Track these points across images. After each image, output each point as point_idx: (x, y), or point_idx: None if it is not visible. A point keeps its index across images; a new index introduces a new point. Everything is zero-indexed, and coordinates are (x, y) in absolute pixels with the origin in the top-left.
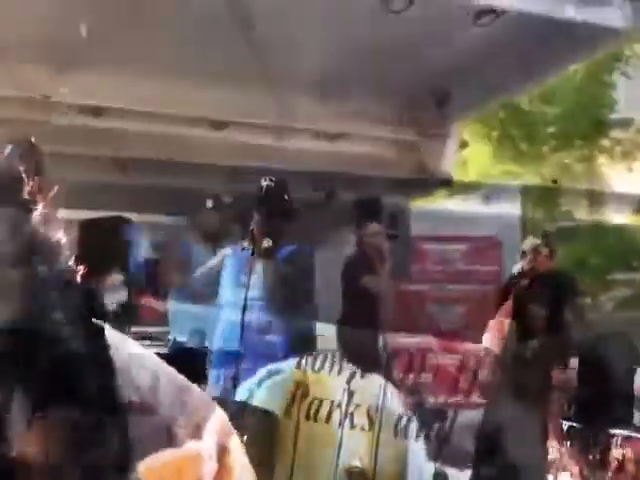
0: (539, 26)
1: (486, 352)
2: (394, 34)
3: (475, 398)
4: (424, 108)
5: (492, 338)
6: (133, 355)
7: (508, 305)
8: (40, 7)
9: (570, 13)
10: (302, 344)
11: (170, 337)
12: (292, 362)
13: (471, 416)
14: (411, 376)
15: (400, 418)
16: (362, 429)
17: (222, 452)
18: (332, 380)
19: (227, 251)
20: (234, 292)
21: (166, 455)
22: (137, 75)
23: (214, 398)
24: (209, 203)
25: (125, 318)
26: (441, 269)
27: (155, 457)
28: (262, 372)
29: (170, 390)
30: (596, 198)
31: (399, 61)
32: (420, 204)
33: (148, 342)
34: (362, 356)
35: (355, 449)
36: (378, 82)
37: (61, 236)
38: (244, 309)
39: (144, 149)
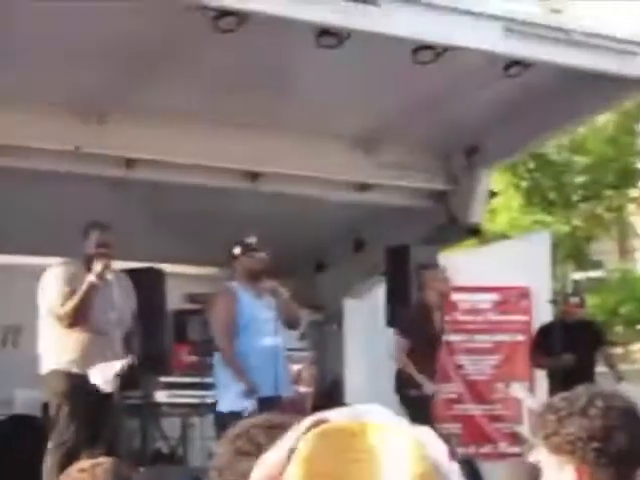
0: (567, 77)
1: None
2: (425, 87)
3: (504, 448)
4: (454, 158)
5: (522, 388)
6: None
7: (538, 354)
8: (75, 58)
9: (595, 64)
10: None
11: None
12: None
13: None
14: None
15: None
16: None
17: None
18: None
19: None
20: None
21: None
22: (171, 126)
23: None
24: (237, 249)
25: (155, 368)
26: (471, 319)
27: None
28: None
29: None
30: (626, 247)
31: (430, 113)
32: (449, 253)
33: (179, 391)
34: None
35: None
36: (409, 134)
37: None
38: None
39: (177, 200)
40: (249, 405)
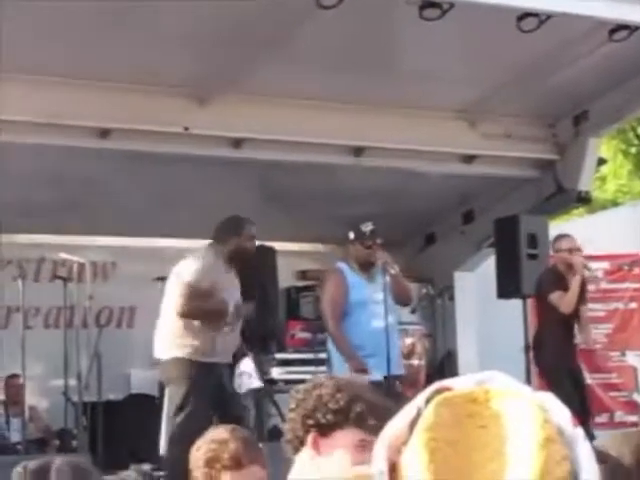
0: None
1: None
2: (530, 55)
3: (620, 417)
4: (561, 127)
5: (637, 356)
6: None
7: None
8: (183, 40)
9: None
10: None
11: None
12: None
13: None
14: None
15: None
16: None
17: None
18: None
19: None
20: None
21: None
22: (276, 104)
23: None
24: (351, 235)
25: (271, 346)
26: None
27: None
28: None
29: None
30: None
31: (535, 81)
32: (559, 223)
33: (292, 368)
34: None
35: None
36: (515, 103)
37: None
38: None
39: (285, 178)
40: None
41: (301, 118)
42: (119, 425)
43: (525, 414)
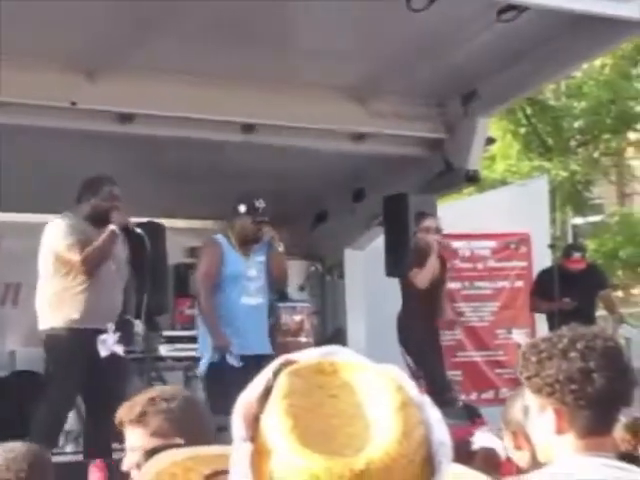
0: (561, 20)
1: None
2: (419, 34)
3: (506, 394)
4: (450, 106)
5: (523, 334)
6: None
7: (538, 299)
8: (70, 13)
9: (590, 6)
10: None
11: None
12: None
13: None
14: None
15: None
16: None
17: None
18: None
19: None
20: None
21: None
22: (166, 80)
23: None
24: (242, 208)
25: (157, 322)
26: (471, 266)
27: None
28: None
29: None
30: (625, 191)
31: (425, 60)
32: (448, 201)
33: (180, 345)
34: None
35: None
36: (405, 82)
37: None
38: None
39: (175, 154)
40: (234, 361)
41: (191, 94)
42: (3, 402)
43: (376, 383)
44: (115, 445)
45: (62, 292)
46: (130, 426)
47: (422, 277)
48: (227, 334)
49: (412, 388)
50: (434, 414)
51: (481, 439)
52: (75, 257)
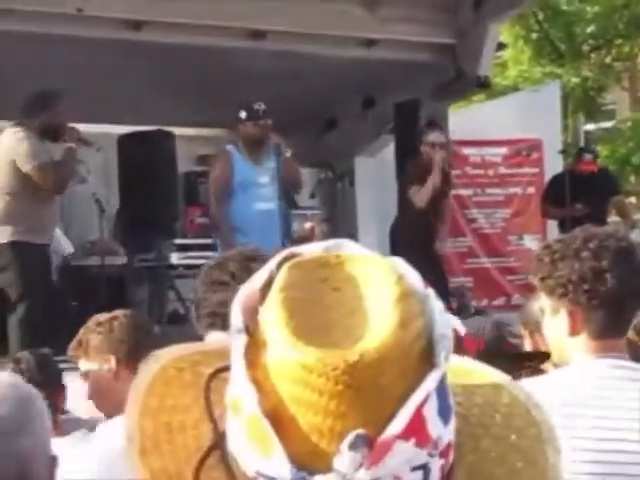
0: None
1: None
2: None
3: (517, 300)
4: (461, 11)
5: (535, 239)
6: None
7: (550, 205)
8: None
9: None
10: None
11: None
12: None
13: None
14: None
15: None
16: None
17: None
18: None
19: None
20: None
21: None
22: None
23: None
24: (243, 114)
25: (168, 230)
26: (482, 173)
27: None
28: None
29: None
30: (637, 96)
31: None
32: (458, 108)
33: (192, 253)
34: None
35: None
36: None
37: None
38: None
39: (183, 61)
40: None
41: (200, 0)
42: None
43: (378, 274)
44: None
45: (17, 205)
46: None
47: (421, 196)
48: (239, 240)
49: (416, 279)
50: (437, 306)
51: None
52: (47, 176)
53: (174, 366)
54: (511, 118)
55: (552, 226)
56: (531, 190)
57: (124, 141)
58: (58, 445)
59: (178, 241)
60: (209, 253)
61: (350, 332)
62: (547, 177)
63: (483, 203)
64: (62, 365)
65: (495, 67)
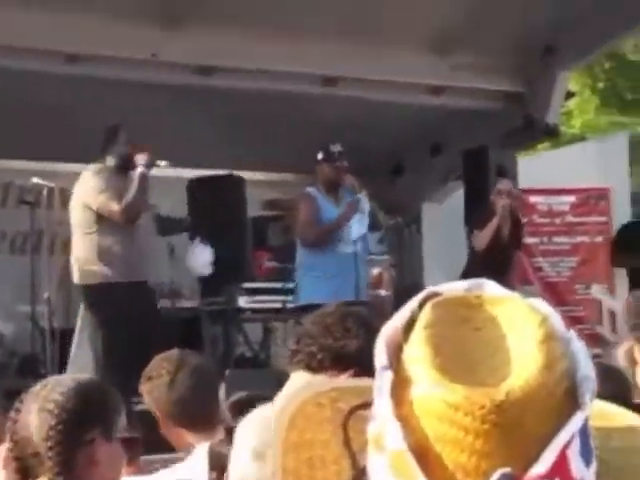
0: None
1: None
2: None
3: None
4: (530, 60)
5: (602, 289)
6: None
7: (619, 254)
8: None
9: None
10: None
11: None
12: None
13: None
14: None
15: None
16: None
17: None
18: None
19: None
20: None
21: None
22: (246, 33)
23: None
24: (320, 155)
25: (237, 274)
26: (549, 221)
27: None
28: None
29: None
30: None
31: (504, 14)
32: (525, 155)
33: (259, 297)
34: None
35: None
36: (485, 35)
37: None
38: None
39: (254, 107)
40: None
41: (273, 47)
42: None
43: (521, 315)
44: None
45: (100, 246)
46: None
47: (480, 239)
48: (320, 280)
49: (558, 320)
50: (580, 347)
51: None
52: (115, 207)
53: (314, 402)
54: (579, 166)
55: (620, 276)
56: (599, 239)
57: (194, 185)
58: None
59: (247, 285)
60: (277, 297)
61: (494, 372)
62: (615, 226)
63: (550, 251)
64: None
65: (561, 116)
